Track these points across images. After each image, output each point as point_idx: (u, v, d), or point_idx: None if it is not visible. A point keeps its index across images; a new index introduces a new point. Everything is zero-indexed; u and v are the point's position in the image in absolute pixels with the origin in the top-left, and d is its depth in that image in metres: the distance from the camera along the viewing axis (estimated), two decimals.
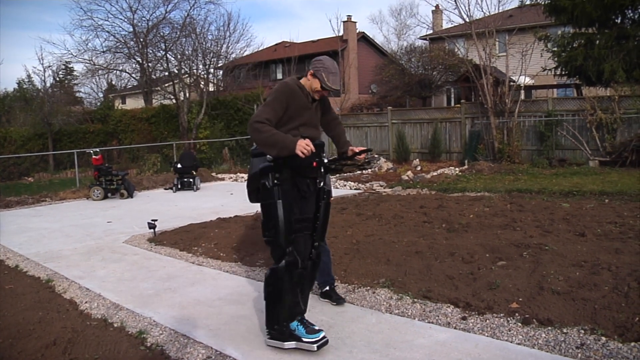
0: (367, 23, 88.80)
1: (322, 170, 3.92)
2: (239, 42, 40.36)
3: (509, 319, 4.12)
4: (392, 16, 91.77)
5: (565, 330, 3.82)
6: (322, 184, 3.93)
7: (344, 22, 35.66)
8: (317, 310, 4.61)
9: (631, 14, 17.37)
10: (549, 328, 3.89)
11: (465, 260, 5.67)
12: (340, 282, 5.35)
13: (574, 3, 16.80)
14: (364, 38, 37.79)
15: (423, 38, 35.89)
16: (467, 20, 18.75)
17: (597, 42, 17.06)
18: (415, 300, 4.69)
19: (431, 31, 36.17)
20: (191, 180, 15.18)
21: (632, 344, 3.56)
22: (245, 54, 32.35)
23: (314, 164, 3.80)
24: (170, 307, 4.92)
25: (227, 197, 13.11)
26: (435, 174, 15.36)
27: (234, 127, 25.01)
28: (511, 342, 3.75)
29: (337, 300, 4.72)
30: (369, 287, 5.13)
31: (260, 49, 37.53)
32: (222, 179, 18.18)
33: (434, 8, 36.53)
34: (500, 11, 20.62)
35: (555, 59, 18.58)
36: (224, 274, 6.03)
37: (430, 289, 4.89)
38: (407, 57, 32.03)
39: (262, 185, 3.73)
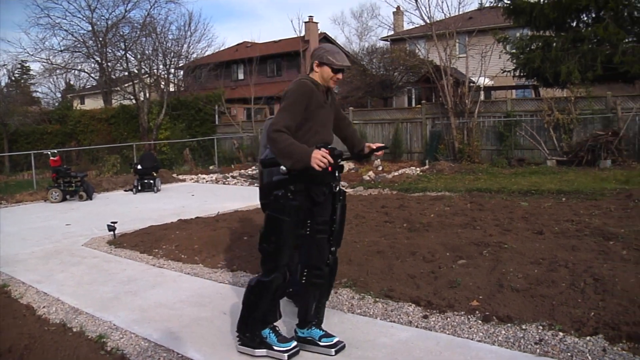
0: (329, 24, 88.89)
1: (338, 174, 3.73)
2: (200, 42, 40.27)
3: (469, 316, 4.16)
4: (353, 17, 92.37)
5: (524, 327, 3.88)
6: (337, 188, 3.75)
7: (305, 22, 35.69)
8: (282, 310, 4.58)
9: (585, 18, 17.80)
10: (509, 325, 3.94)
11: (426, 259, 5.72)
12: None
13: (532, 5, 17.15)
14: (325, 39, 37.84)
15: (384, 39, 36.14)
16: (428, 21, 18.94)
17: (554, 44, 17.44)
18: (377, 299, 4.70)
19: (392, 32, 36.43)
20: (152, 181, 14.96)
21: (588, 338, 3.64)
22: (206, 54, 32.14)
23: (329, 169, 3.54)
24: (130, 311, 4.83)
25: (188, 199, 12.97)
26: (396, 174, 15.47)
27: (195, 127, 24.81)
28: (472, 339, 3.79)
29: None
30: (333, 288, 5.11)
31: (221, 49, 37.38)
32: (183, 180, 17.98)
33: (395, 9, 36.84)
34: (460, 13, 20.90)
35: (514, 60, 18.93)
36: (185, 276, 5.95)
37: (392, 288, 4.90)
38: (368, 58, 32.21)
39: (274, 197, 3.57)
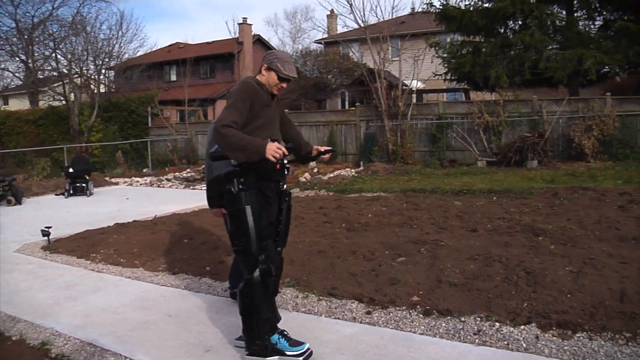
0: (263, 26, 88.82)
1: (286, 172, 3.73)
2: (132, 42, 39.27)
3: (411, 311, 4.31)
4: (287, 19, 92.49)
5: (463, 319, 4.06)
6: (284, 186, 3.77)
7: (239, 24, 35.56)
8: (224, 312, 4.63)
9: (512, 25, 18.52)
10: (449, 318, 4.11)
11: (366, 257, 5.86)
12: None
13: (462, 12, 17.70)
14: (259, 41, 37.80)
15: (318, 42, 36.38)
16: (362, 25, 19.23)
17: (484, 50, 18.07)
18: (321, 297, 4.80)
19: (326, 35, 36.75)
20: (84, 185, 14.58)
21: (522, 327, 3.85)
22: (138, 54, 31.50)
23: (277, 166, 3.56)
24: (72, 316, 4.73)
25: (123, 202, 12.72)
26: (332, 175, 15.65)
27: (127, 129, 24.30)
28: (414, 332, 3.94)
29: None
30: None
31: (153, 49, 36.70)
32: (117, 184, 17.62)
33: (329, 12, 37.17)
34: (393, 17, 21.30)
35: (446, 65, 19.47)
36: (126, 280, 5.87)
37: (334, 286, 5.01)
38: (302, 61, 32.39)
39: (228, 192, 3.51)
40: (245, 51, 34.14)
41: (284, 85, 3.77)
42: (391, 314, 4.32)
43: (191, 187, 15.53)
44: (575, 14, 18.10)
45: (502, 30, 18.75)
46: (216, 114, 32.53)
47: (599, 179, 11.56)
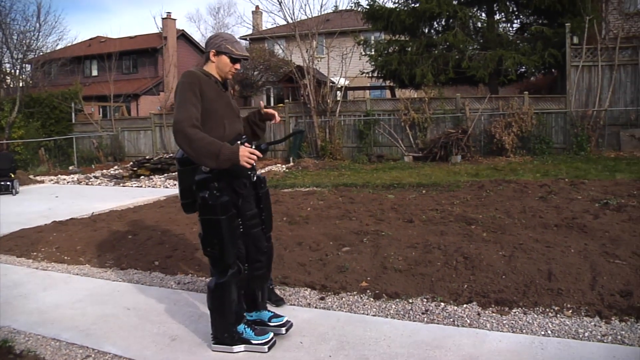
0: (185, 21, 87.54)
1: (255, 165, 3.56)
2: (51, 35, 37.83)
3: (362, 295, 4.62)
4: (210, 14, 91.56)
5: (411, 301, 4.41)
6: (255, 177, 3.71)
7: (163, 19, 35.07)
8: (182, 303, 4.77)
9: (437, 25, 19.26)
10: (397, 300, 4.46)
11: (312, 248, 6.13)
12: (197, 275, 5.55)
13: (390, 11, 18.26)
14: (183, 36, 37.44)
15: (243, 38, 36.33)
16: (291, 21, 19.45)
17: (410, 48, 18.70)
18: (274, 286, 5.03)
19: (252, 31, 36.74)
20: (9, 183, 14.12)
21: (465, 305, 4.26)
22: (58, 47, 30.51)
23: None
24: (28, 314, 4.72)
25: (53, 201, 12.46)
26: (263, 171, 15.84)
27: (50, 126, 23.58)
28: (367, 314, 4.25)
29: (277, 301, 4.54)
30: None
31: (73, 43, 35.66)
32: (42, 182, 17.14)
33: (254, 9, 37.17)
34: (321, 14, 21.62)
35: (373, 63, 19.99)
36: (75, 277, 5.86)
37: (286, 275, 5.25)
38: None
39: (201, 200, 3.45)
40: (170, 46, 33.71)
41: (238, 67, 3.62)
42: (343, 299, 4.61)
43: (121, 185, 15.33)
44: (495, 17, 19.05)
45: (427, 30, 19.50)
46: (140, 110, 32.02)
47: (520, 172, 12.30)
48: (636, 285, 4.32)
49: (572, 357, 3.37)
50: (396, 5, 19.19)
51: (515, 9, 19.01)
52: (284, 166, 16.81)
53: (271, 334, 3.68)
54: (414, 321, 4.07)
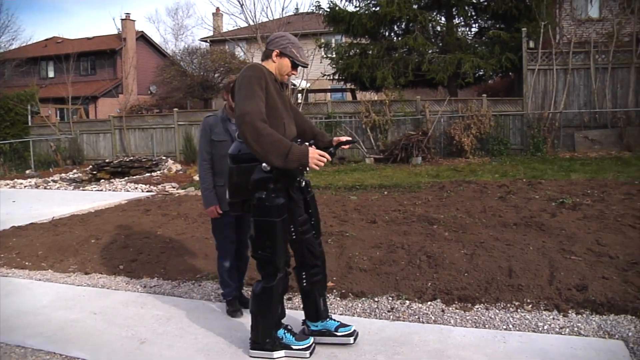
0: (144, 22, 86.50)
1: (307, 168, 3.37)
2: (4, 35, 36.90)
3: (328, 295, 4.68)
4: (169, 16, 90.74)
5: (376, 299, 4.52)
6: (304, 182, 3.64)
7: (122, 20, 34.60)
8: (149, 306, 4.77)
9: (397, 29, 19.52)
10: (363, 299, 4.56)
11: None
12: (162, 279, 5.55)
13: (351, 14, 18.43)
14: (143, 37, 36.97)
15: (204, 40, 36.15)
16: (253, 23, 19.41)
17: (370, 52, 18.90)
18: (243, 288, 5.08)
19: (212, 33, 36.53)
20: None
21: (429, 303, 4.39)
22: (11, 47, 29.80)
23: None
24: None
25: (10, 205, 12.17)
26: None
27: (5, 129, 23.03)
28: (334, 313, 4.31)
29: (246, 303, 4.47)
30: (194, 281, 5.39)
31: (28, 43, 34.90)
32: None
33: (215, 11, 37.00)
34: (282, 17, 21.65)
35: (334, 65, 20.13)
36: (37, 283, 5.76)
37: (252, 277, 5.27)
38: (189, 59, 32.06)
39: (258, 200, 3.33)
40: (129, 48, 33.31)
41: (296, 72, 3.56)
42: None
43: (81, 189, 15.08)
44: (454, 21, 19.39)
45: (388, 34, 19.74)
46: (99, 112, 31.54)
47: (479, 173, 12.57)
48: (591, 279, 4.52)
49: (533, 349, 3.52)
50: (357, 8, 19.38)
51: (473, 13, 19.38)
52: None
53: (311, 339, 3.62)
54: (381, 319, 4.17)
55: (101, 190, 13.78)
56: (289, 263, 3.60)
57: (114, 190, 13.35)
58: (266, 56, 3.53)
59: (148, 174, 16.27)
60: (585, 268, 4.83)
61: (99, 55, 34.83)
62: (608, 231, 6.18)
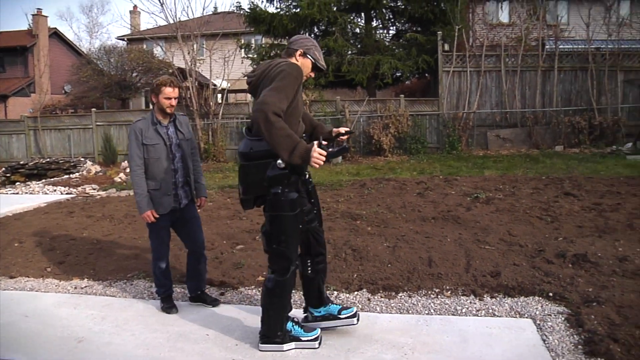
0: (56, 19, 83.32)
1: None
2: None
3: (259, 289, 4.85)
4: (83, 13, 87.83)
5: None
6: (307, 174, 3.76)
7: (33, 15, 33.18)
8: (83, 306, 4.76)
9: (317, 30, 19.81)
10: (293, 291, 4.69)
11: (207, 247, 6.24)
12: (93, 279, 5.51)
13: (272, 15, 18.56)
14: (56, 34, 35.64)
15: (121, 38, 35.31)
16: (174, 22, 19.21)
17: None
18: (174, 285, 5.15)
19: (129, 31, 35.75)
20: None
21: (356, 292, 4.66)
22: None
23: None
24: None
25: None
26: None
27: None
28: None
29: (212, 302, 4.63)
30: (125, 281, 5.41)
31: None
32: None
33: (132, 8, 36.21)
34: (203, 16, 21.52)
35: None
36: None
37: (183, 274, 5.36)
38: (106, 58, 31.24)
39: (273, 196, 3.45)
40: (41, 45, 32.06)
41: (312, 75, 3.67)
42: (242, 293, 4.84)
43: None
44: (373, 24, 19.86)
45: (308, 35, 19.96)
46: (9, 111, 30.25)
47: (398, 170, 13.02)
48: (503, 266, 4.92)
49: (453, 329, 3.84)
50: (278, 10, 19.53)
51: (391, 16, 19.94)
52: None
53: (319, 330, 3.73)
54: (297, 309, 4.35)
55: (17, 193, 13.29)
56: (323, 246, 3.79)
57: (31, 193, 12.91)
58: (288, 55, 3.62)
59: (66, 176, 15.81)
60: (498, 256, 5.24)
61: (9, 52, 33.25)
62: (518, 223, 6.68)
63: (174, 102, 4.27)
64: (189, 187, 4.58)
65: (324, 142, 3.40)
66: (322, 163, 3.22)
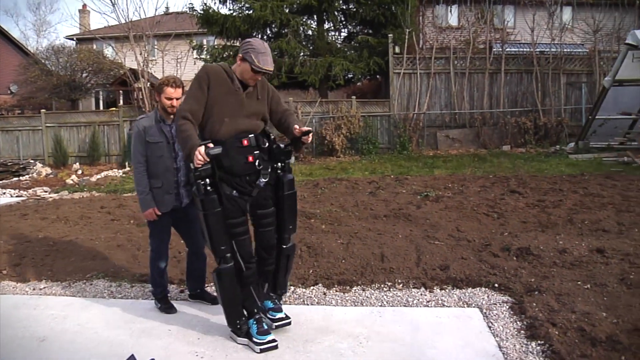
0: (1, 15, 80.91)
1: (260, 165, 3.75)
2: None
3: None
4: (29, 10, 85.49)
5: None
6: (267, 178, 3.81)
7: None
8: (42, 307, 4.80)
9: (270, 32, 19.94)
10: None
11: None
12: (51, 280, 5.51)
13: (225, 17, 18.59)
14: (1, 33, 34.74)
15: (70, 37, 34.62)
16: (125, 22, 19.03)
17: None
18: (134, 284, 5.23)
19: (79, 30, 35.07)
20: None
21: (312, 287, 4.89)
22: None
23: (250, 158, 3.66)
24: None
25: None
26: (99, 176, 15.43)
27: None
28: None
29: (212, 300, 4.66)
30: (84, 281, 5.43)
31: None
32: None
33: (81, 7, 35.53)
34: (155, 16, 21.37)
35: None
36: None
37: (143, 273, 5.46)
38: (55, 57, 30.60)
39: (192, 194, 3.59)
40: None
41: (259, 77, 3.71)
42: (208, 288, 4.94)
43: None
44: (325, 26, 20.09)
45: (261, 37, 20.07)
46: None
47: (350, 170, 13.28)
48: (452, 260, 5.20)
49: (404, 319, 4.08)
50: (231, 11, 19.56)
51: (343, 19, 20.22)
52: (120, 171, 16.45)
53: (271, 336, 3.74)
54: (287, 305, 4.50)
55: None
56: (246, 260, 3.82)
57: None
58: (237, 59, 3.73)
59: (15, 179, 15.51)
60: (447, 251, 5.52)
61: None
62: (466, 219, 7.00)
63: (175, 102, 4.28)
64: (190, 187, 4.64)
65: (209, 145, 3.49)
66: (199, 163, 3.39)
